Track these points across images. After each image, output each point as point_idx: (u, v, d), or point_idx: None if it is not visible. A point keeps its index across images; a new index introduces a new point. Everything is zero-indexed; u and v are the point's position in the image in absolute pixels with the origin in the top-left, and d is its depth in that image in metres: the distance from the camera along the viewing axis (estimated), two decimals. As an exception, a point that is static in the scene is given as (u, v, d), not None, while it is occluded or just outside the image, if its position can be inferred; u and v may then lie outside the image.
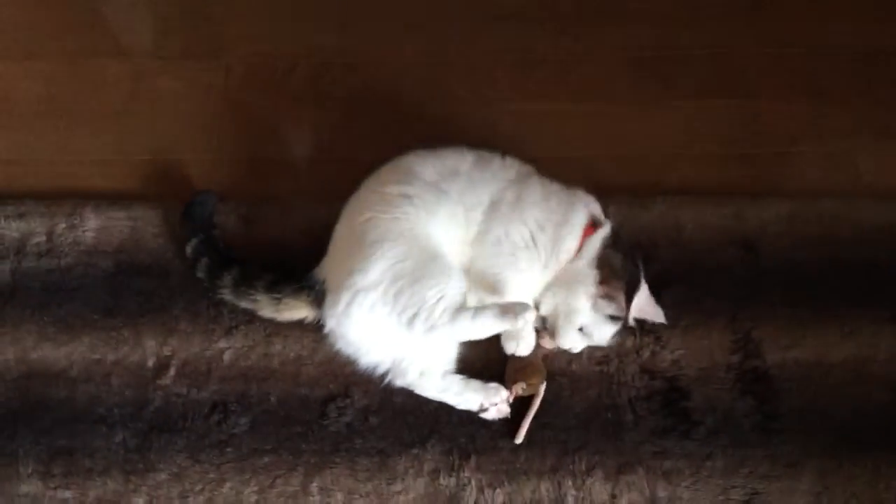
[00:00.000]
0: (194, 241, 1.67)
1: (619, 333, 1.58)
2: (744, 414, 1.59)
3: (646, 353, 1.64)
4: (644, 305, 1.56)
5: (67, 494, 1.54)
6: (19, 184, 1.86)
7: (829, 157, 1.89)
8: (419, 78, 2.02)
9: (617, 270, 1.55)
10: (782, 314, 1.68)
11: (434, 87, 2.01)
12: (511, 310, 1.48)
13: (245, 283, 1.60)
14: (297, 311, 1.60)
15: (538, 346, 1.59)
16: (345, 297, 1.52)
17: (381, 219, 1.54)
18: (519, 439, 1.56)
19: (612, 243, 1.57)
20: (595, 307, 1.55)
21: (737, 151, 1.90)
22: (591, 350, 1.63)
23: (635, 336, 1.65)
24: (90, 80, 2.01)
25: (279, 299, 1.59)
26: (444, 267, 1.52)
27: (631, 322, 1.55)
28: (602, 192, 1.64)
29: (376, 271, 1.50)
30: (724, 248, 1.75)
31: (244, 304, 1.62)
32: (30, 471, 1.55)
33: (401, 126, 1.93)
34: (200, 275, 1.65)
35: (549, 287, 1.58)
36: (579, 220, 1.59)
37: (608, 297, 1.54)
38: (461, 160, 1.61)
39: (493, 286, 1.56)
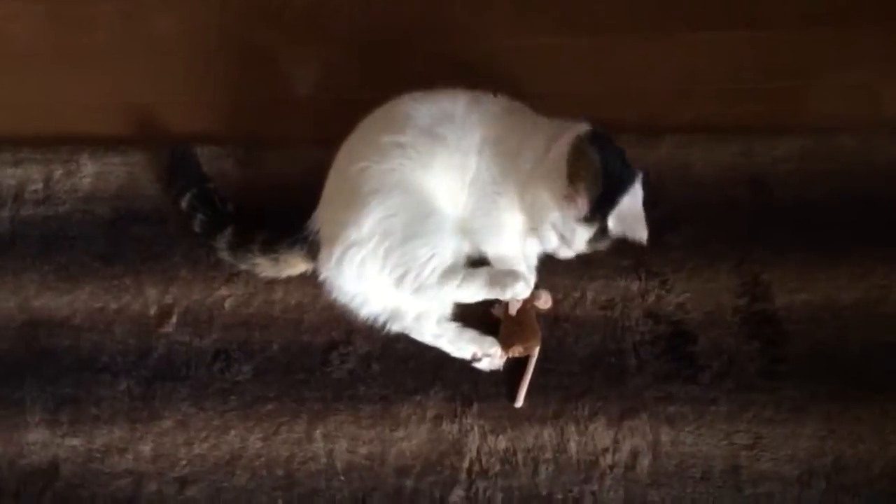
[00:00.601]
0: (188, 196, 1.64)
1: (599, 241, 1.47)
2: (749, 358, 1.57)
3: (651, 297, 1.62)
4: (625, 217, 1.43)
5: (75, 442, 1.56)
6: (12, 128, 1.82)
7: (847, 90, 1.81)
8: (417, 11, 1.94)
9: (588, 170, 1.41)
10: (792, 255, 1.64)
11: (433, 20, 1.94)
12: (501, 281, 1.47)
13: (241, 246, 1.59)
14: (296, 266, 1.59)
15: (533, 306, 1.57)
16: (337, 251, 1.50)
17: (375, 169, 1.50)
18: (518, 403, 1.55)
19: (590, 142, 1.45)
20: (560, 207, 1.45)
21: (748, 86, 1.83)
22: (596, 294, 1.62)
23: (640, 279, 1.62)
24: (81, 19, 1.96)
25: (276, 258, 1.57)
26: (437, 225, 1.50)
27: (611, 231, 1.44)
28: (607, 130, 1.59)
29: (368, 225, 1.48)
30: (733, 187, 1.70)
31: (244, 266, 1.61)
32: (37, 419, 1.57)
33: (399, 62, 1.88)
34: (198, 230, 1.63)
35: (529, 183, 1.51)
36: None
37: (569, 198, 1.43)
38: (455, 102, 1.56)
39: (489, 228, 1.53)
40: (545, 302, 1.58)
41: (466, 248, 1.57)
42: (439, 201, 1.52)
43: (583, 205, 1.41)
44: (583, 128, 1.48)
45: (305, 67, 1.91)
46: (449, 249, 1.50)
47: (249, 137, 1.80)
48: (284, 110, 1.85)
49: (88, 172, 1.76)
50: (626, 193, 1.42)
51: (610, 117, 1.70)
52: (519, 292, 1.48)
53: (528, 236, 1.55)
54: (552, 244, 1.49)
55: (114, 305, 1.65)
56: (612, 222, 1.42)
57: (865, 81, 1.83)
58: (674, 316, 1.61)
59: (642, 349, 1.58)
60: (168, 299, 1.65)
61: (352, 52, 1.91)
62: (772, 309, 1.60)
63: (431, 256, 1.48)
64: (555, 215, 1.45)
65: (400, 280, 1.49)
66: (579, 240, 1.47)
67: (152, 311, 1.64)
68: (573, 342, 1.59)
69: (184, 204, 1.65)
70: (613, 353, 1.58)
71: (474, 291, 1.50)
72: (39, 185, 1.75)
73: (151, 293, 1.65)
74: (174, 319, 1.63)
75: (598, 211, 1.42)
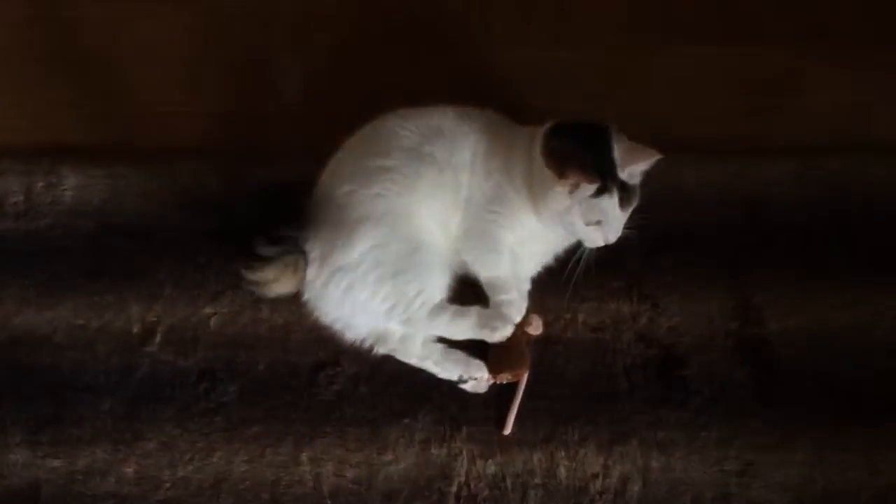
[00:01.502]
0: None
1: (629, 200, 1.46)
2: (741, 383, 1.55)
3: (642, 320, 1.60)
4: (629, 159, 1.44)
5: (56, 463, 1.52)
6: (-9, 139, 1.79)
7: (841, 109, 1.80)
8: (411, 21, 1.92)
9: (568, 158, 1.42)
10: (785, 279, 1.63)
11: (427, 31, 1.91)
12: (490, 323, 1.49)
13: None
14: (284, 284, 1.54)
15: (524, 332, 1.55)
16: (324, 274, 1.49)
17: (362, 193, 1.49)
18: (507, 430, 1.53)
19: (553, 136, 1.46)
20: (576, 202, 1.44)
21: (742, 104, 1.82)
22: (587, 316, 1.60)
23: (632, 301, 1.61)
24: (65, 25, 1.91)
25: (268, 280, 1.52)
26: (424, 260, 1.49)
27: (629, 180, 1.45)
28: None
29: (357, 252, 1.47)
30: (726, 209, 1.69)
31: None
32: (17, 440, 1.53)
33: (390, 73, 1.85)
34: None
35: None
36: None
37: (573, 188, 1.42)
38: (443, 117, 1.55)
39: (483, 250, 1.53)
40: (536, 328, 1.56)
41: (456, 269, 1.56)
42: (427, 229, 1.51)
43: (586, 183, 1.41)
44: (545, 127, 1.49)
45: (294, 77, 1.87)
46: (436, 286, 1.51)
47: (236, 150, 1.76)
48: (272, 120, 1.82)
49: (70, 185, 1.72)
50: (611, 146, 1.44)
51: None
52: (508, 334, 1.49)
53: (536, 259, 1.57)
54: (598, 236, 1.48)
55: (96, 323, 1.61)
56: (623, 173, 1.44)
57: (857, 101, 1.82)
58: (665, 339, 1.59)
59: (633, 373, 1.57)
60: (152, 317, 1.61)
61: (342, 61, 1.88)
62: (764, 333, 1.59)
63: (419, 292, 1.48)
64: (576, 210, 1.44)
65: (389, 312, 1.49)
66: (612, 211, 1.45)
67: (136, 328, 1.61)
68: (564, 365, 1.57)
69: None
70: (604, 376, 1.57)
71: (462, 330, 1.51)
72: (20, 198, 1.71)
73: (135, 310, 1.62)
74: (158, 338, 1.60)
75: (605, 175, 1.42)
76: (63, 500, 1.51)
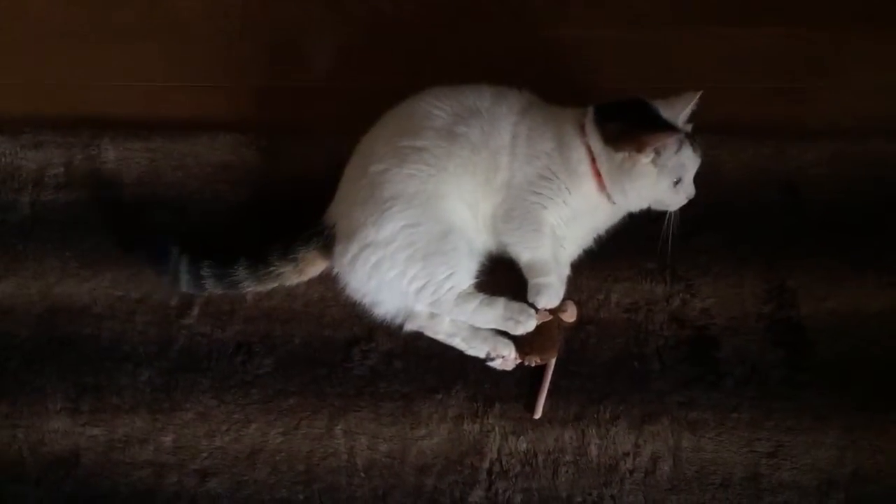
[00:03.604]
0: (185, 268, 1.57)
1: (696, 150, 1.49)
2: (773, 365, 1.56)
3: (675, 301, 1.60)
4: (678, 109, 1.49)
5: (96, 431, 1.56)
6: (32, 109, 1.80)
7: (882, 91, 1.78)
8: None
9: (632, 130, 1.46)
10: (820, 262, 1.62)
11: (467, 8, 1.90)
12: (515, 316, 1.51)
13: (262, 265, 1.55)
14: (317, 264, 1.57)
15: (557, 317, 1.55)
16: (353, 249, 1.50)
17: (395, 172, 1.49)
18: (537, 414, 1.54)
19: (599, 118, 1.49)
20: (662, 163, 1.47)
21: (782, 84, 1.80)
22: (620, 297, 1.61)
23: (665, 282, 1.61)
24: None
25: (296, 260, 1.55)
26: (457, 244, 1.50)
27: (686, 129, 1.50)
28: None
29: (388, 230, 1.48)
30: (762, 191, 1.68)
31: (272, 285, 1.58)
32: (58, 407, 1.57)
33: (428, 51, 1.84)
34: (215, 290, 1.59)
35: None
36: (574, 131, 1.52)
37: (657, 151, 1.46)
38: (480, 97, 1.54)
39: (525, 233, 1.53)
40: (570, 315, 1.56)
41: (493, 249, 1.57)
42: (459, 211, 1.52)
43: (670, 138, 1.45)
44: (589, 115, 1.50)
45: (331, 54, 1.87)
46: (467, 271, 1.52)
47: (272, 125, 1.77)
48: (309, 98, 1.82)
49: (110, 158, 1.74)
50: (657, 110, 1.48)
51: None
52: (529, 327, 1.52)
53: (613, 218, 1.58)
54: (680, 197, 1.51)
55: (135, 294, 1.64)
56: (684, 125, 1.49)
57: (897, 82, 1.80)
58: (698, 321, 1.59)
59: (665, 353, 1.57)
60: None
61: (377, 38, 1.88)
62: (797, 316, 1.59)
63: (450, 275, 1.49)
64: (664, 176, 1.47)
65: (418, 292, 1.50)
66: (693, 162, 1.50)
67: (174, 301, 1.63)
68: (596, 344, 1.58)
69: (184, 280, 1.57)
70: (636, 356, 1.57)
71: (487, 320, 1.53)
72: (60, 170, 1.73)
73: (173, 283, 1.65)
74: (196, 311, 1.62)
75: (669, 128, 1.45)
76: (102, 468, 1.54)
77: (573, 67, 1.81)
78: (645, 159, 1.45)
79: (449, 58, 1.83)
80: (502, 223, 1.54)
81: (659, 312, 1.60)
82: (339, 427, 1.55)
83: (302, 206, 1.60)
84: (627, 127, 1.46)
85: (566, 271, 1.58)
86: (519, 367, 1.56)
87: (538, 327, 1.53)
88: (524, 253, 1.54)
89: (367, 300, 1.55)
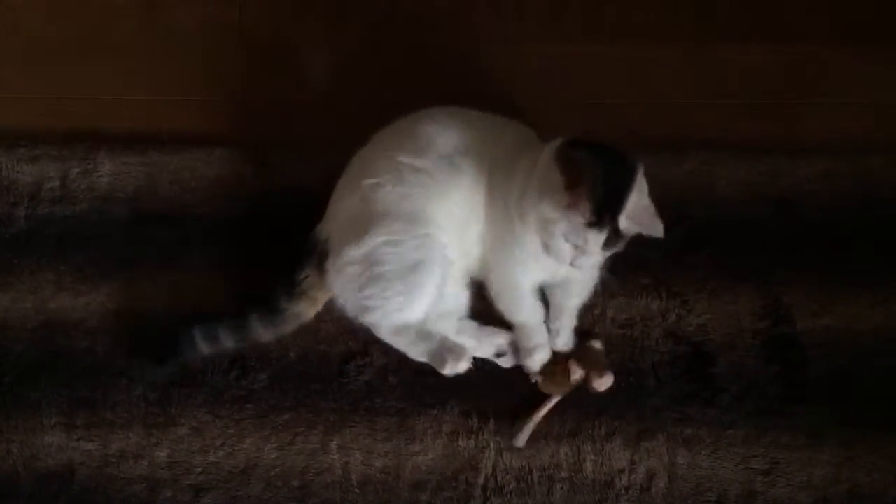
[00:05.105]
0: (201, 335, 1.54)
1: (613, 244, 1.36)
2: (769, 382, 1.56)
3: (671, 317, 1.60)
4: (635, 214, 1.32)
5: (90, 446, 1.55)
6: (28, 123, 1.80)
7: (873, 108, 1.78)
8: (440, 14, 1.91)
9: (584, 173, 1.31)
10: (815, 278, 1.62)
11: (457, 23, 1.90)
12: (444, 356, 1.48)
13: (274, 313, 1.53)
14: (324, 288, 1.54)
15: (586, 380, 1.53)
16: (339, 262, 1.48)
17: (389, 190, 1.46)
18: (519, 443, 1.52)
19: (573, 146, 1.36)
20: (566, 217, 1.35)
21: (776, 101, 1.79)
22: (615, 313, 1.60)
23: (661, 298, 1.61)
24: (101, 10, 1.92)
25: (303, 292, 1.53)
26: (424, 279, 1.46)
27: (625, 229, 1.34)
28: (631, 144, 1.56)
29: (368, 244, 1.45)
30: (757, 207, 1.68)
31: (291, 327, 1.56)
32: (53, 422, 1.57)
33: (421, 67, 1.84)
34: (238, 346, 1.57)
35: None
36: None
37: (571, 205, 1.32)
38: (478, 126, 1.50)
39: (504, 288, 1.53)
40: (602, 384, 1.52)
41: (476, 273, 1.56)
42: (442, 238, 1.48)
43: (585, 210, 1.32)
44: (567, 137, 1.40)
45: (327, 68, 1.87)
46: (422, 308, 1.48)
47: (268, 139, 1.77)
48: (304, 113, 1.81)
49: (106, 171, 1.74)
50: (630, 189, 1.32)
51: (635, 130, 1.72)
52: (461, 369, 1.48)
53: (542, 258, 1.46)
54: (567, 256, 1.39)
55: (130, 309, 1.63)
56: (623, 222, 1.33)
57: (892, 99, 1.79)
58: (694, 337, 1.59)
59: (661, 370, 1.58)
60: (184, 303, 1.63)
61: (371, 53, 1.88)
62: (793, 333, 1.59)
63: (401, 310, 1.47)
64: (562, 226, 1.36)
65: (364, 310, 1.48)
66: (593, 246, 1.36)
67: (168, 315, 1.62)
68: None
69: (203, 350, 1.55)
70: (632, 372, 1.57)
71: (417, 354, 1.52)
72: (56, 183, 1.73)
73: (168, 297, 1.63)
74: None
75: (606, 213, 1.32)
76: (96, 483, 1.54)
77: (565, 84, 1.81)
78: (560, 197, 1.33)
79: (446, 75, 1.83)
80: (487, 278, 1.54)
81: (654, 328, 1.60)
82: (333, 442, 1.55)
83: (297, 219, 1.58)
84: (586, 162, 1.32)
85: (570, 323, 1.57)
86: (517, 383, 1.56)
87: (555, 367, 1.53)
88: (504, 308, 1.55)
89: (353, 314, 1.53)
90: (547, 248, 1.41)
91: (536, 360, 1.53)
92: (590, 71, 1.83)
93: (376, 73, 1.86)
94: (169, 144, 1.76)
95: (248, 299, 1.55)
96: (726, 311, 1.61)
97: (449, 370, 1.48)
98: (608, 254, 1.41)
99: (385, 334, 1.52)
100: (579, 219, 1.34)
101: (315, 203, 1.58)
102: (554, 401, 1.54)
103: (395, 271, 1.45)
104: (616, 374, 1.54)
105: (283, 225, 1.61)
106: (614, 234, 1.36)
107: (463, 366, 1.48)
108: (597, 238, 1.36)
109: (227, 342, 1.55)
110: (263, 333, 1.55)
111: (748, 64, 1.83)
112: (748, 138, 1.75)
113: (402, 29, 1.91)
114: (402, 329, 1.50)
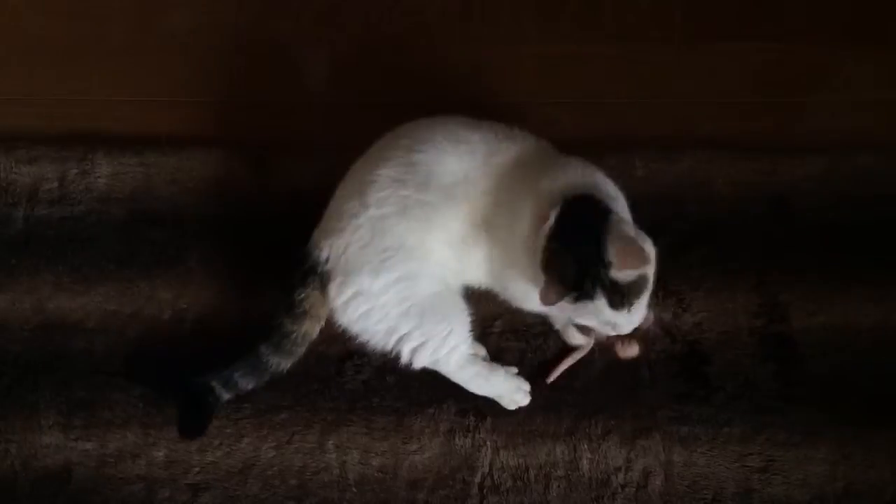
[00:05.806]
0: (219, 383, 1.51)
1: (628, 295, 1.29)
2: (764, 380, 1.56)
3: (667, 316, 1.61)
4: (620, 263, 1.26)
5: (88, 446, 1.55)
6: (26, 124, 1.81)
7: (869, 106, 1.79)
8: (438, 14, 1.92)
9: (557, 265, 1.29)
10: (812, 277, 1.63)
11: (455, 24, 1.91)
12: (507, 394, 1.54)
13: (284, 341, 1.49)
14: (325, 301, 1.50)
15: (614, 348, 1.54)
16: (346, 293, 1.44)
17: (396, 223, 1.41)
18: (549, 379, 1.56)
19: (555, 235, 1.30)
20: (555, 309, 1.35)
21: (772, 100, 1.80)
22: (612, 311, 1.61)
23: (657, 297, 1.59)
24: (97, 12, 1.93)
25: (305, 312, 1.48)
26: (452, 300, 1.47)
27: (623, 279, 1.27)
28: (628, 143, 1.57)
29: (383, 280, 1.42)
30: (754, 205, 1.68)
31: (302, 349, 1.52)
32: (51, 422, 1.56)
33: (419, 68, 1.85)
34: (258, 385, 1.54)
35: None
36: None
37: (549, 302, 1.29)
38: (483, 144, 1.44)
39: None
40: (626, 351, 1.54)
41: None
42: (446, 262, 1.46)
43: (560, 295, 1.28)
44: (570, 190, 1.34)
45: (323, 69, 1.88)
46: (463, 326, 1.47)
47: (265, 140, 1.78)
48: (300, 113, 1.83)
49: (104, 172, 1.74)
50: (606, 242, 1.26)
51: (631, 130, 1.73)
52: (522, 403, 1.55)
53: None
54: (602, 330, 1.39)
55: (127, 309, 1.64)
56: (618, 274, 1.27)
57: (888, 98, 1.80)
58: (690, 335, 1.60)
59: (657, 368, 1.58)
60: (182, 304, 1.64)
61: (369, 54, 1.88)
62: (789, 331, 1.59)
63: (450, 332, 1.45)
64: (563, 317, 1.45)
65: (414, 351, 1.46)
66: (603, 314, 1.31)
67: (166, 315, 1.64)
68: (588, 358, 1.58)
69: (224, 398, 1.53)
70: (628, 370, 1.57)
71: (483, 390, 1.55)
72: (54, 185, 1.73)
73: (165, 298, 1.65)
74: (188, 325, 1.63)
75: (587, 280, 1.27)
76: (94, 483, 1.54)
77: (561, 84, 1.82)
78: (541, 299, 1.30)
79: (441, 75, 1.84)
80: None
81: (651, 326, 1.59)
82: (331, 441, 1.55)
83: (295, 220, 1.57)
84: (558, 257, 1.29)
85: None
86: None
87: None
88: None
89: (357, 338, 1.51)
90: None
91: (523, 403, 1.56)
92: (588, 71, 1.84)
93: (374, 74, 1.87)
94: (167, 146, 1.77)
95: (252, 332, 1.52)
96: (722, 310, 1.61)
97: (512, 406, 1.55)
98: (637, 306, 1.32)
99: (446, 369, 1.51)
100: (566, 304, 1.30)
101: (313, 204, 1.56)
102: (587, 349, 1.57)
103: (423, 301, 1.44)
104: (612, 373, 1.56)
105: (280, 225, 1.61)
106: (615, 291, 1.28)
107: (525, 401, 1.55)
108: (598, 305, 1.30)
109: (248, 384, 1.52)
110: (280, 362, 1.52)
111: (745, 63, 1.84)
112: (745, 137, 1.76)
113: (399, 30, 1.92)
114: (467, 363, 1.51)
